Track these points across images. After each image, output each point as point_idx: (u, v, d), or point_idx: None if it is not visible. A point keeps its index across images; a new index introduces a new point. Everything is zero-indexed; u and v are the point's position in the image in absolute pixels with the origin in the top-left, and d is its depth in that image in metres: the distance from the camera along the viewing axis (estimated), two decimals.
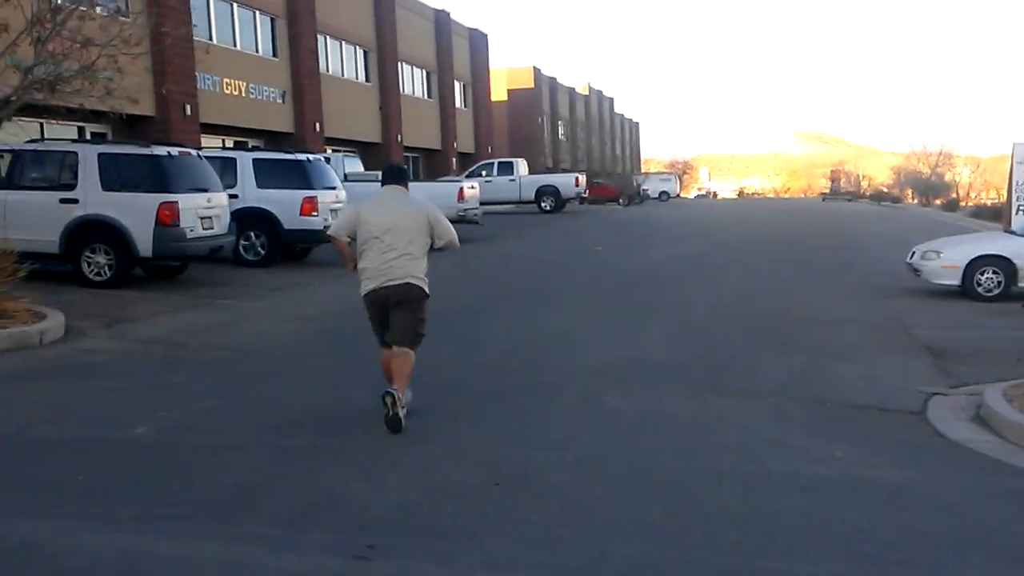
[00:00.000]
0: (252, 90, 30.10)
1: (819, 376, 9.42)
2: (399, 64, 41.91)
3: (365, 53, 39.44)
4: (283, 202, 17.48)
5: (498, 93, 64.67)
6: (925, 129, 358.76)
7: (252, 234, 17.49)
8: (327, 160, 21.30)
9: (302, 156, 18.47)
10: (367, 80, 39.69)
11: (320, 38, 34.86)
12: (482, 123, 54.82)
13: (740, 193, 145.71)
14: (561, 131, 77.64)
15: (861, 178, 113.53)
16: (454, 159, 48.70)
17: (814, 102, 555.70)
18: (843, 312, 13.59)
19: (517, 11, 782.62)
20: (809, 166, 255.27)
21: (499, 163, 41.29)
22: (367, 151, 39.51)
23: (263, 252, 17.63)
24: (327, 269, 17.14)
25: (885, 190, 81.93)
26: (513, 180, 39.89)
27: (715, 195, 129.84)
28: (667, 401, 8.24)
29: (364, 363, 8.16)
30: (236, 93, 29.27)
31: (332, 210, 17.43)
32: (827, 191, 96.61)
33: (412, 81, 45.42)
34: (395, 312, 7.16)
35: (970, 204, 56.12)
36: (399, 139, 41.14)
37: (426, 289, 7.25)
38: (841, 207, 63.49)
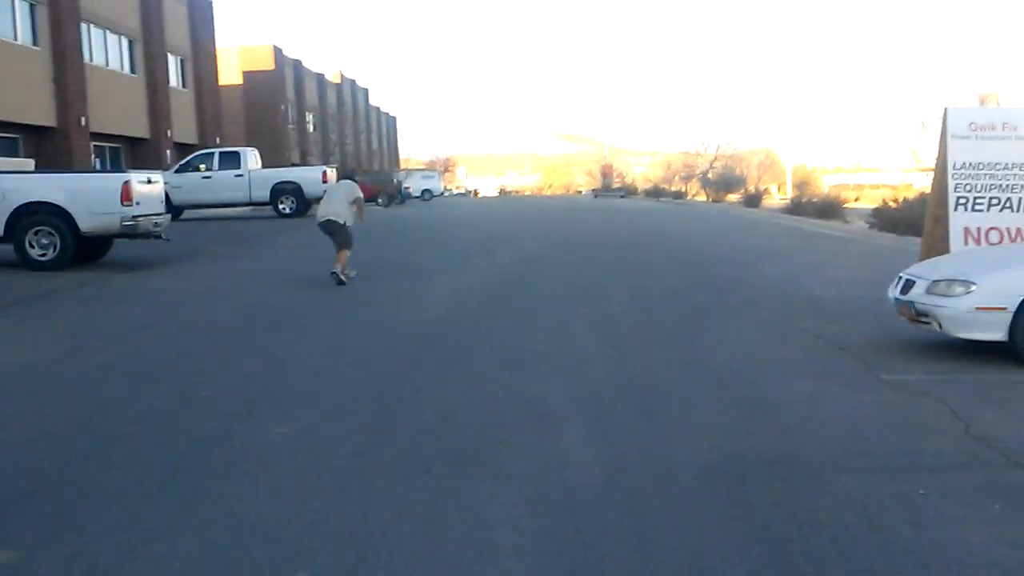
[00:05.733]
0: None
1: None
2: (81, 25, 31.62)
3: (32, 7, 29.00)
4: None
5: (231, 75, 54.81)
6: (674, 129, 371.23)
7: None
8: None
9: None
10: (35, 44, 29.23)
11: None
12: (207, 107, 44.79)
13: (502, 191, 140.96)
14: (310, 122, 68.37)
15: (625, 175, 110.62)
16: (168, 150, 38.63)
17: (566, 104, 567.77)
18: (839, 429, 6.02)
19: None
20: (565, 164, 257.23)
21: (221, 153, 31.47)
22: (36, 137, 29.18)
23: None
24: None
25: (664, 186, 78.04)
26: (240, 175, 30.31)
27: (476, 193, 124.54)
28: None
29: None
30: None
31: None
32: (597, 188, 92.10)
33: (105, 49, 35.08)
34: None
35: (778, 197, 51.98)
36: (82, 122, 30.90)
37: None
38: (623, 204, 57.87)
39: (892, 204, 25.64)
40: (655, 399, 6.75)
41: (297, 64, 65.76)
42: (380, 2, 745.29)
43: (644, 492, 4.75)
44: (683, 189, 73.91)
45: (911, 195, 27.43)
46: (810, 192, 49.90)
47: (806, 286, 13.28)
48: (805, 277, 14.49)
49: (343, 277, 12.95)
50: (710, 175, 66.32)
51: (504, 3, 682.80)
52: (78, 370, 7.55)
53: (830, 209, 30.48)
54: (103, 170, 29.85)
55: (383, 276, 14.33)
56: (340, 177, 13.25)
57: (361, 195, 13.83)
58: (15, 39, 28.16)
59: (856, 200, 36.94)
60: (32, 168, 17.28)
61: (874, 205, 28.82)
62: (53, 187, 14.22)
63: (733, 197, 60.79)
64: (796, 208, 34.69)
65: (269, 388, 7.01)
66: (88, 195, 14.22)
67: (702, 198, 68.81)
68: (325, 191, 13.00)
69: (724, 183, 63.01)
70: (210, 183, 29.99)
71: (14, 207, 13.93)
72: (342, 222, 13.21)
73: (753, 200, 47.80)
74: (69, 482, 4.87)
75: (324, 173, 31.18)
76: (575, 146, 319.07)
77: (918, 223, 16.83)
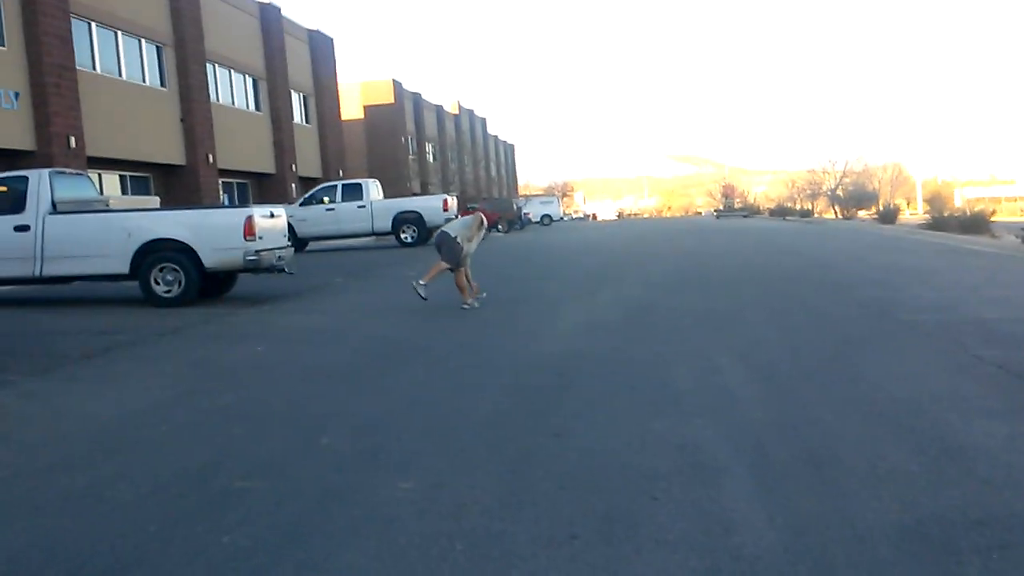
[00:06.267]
0: None
1: None
2: (206, 66, 32.33)
3: (158, 49, 29.77)
4: None
5: (353, 110, 55.71)
6: (795, 147, 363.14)
7: None
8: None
9: None
10: (162, 85, 29.98)
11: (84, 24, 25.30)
12: (330, 142, 45.45)
13: (620, 214, 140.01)
14: (430, 153, 68.94)
15: (746, 195, 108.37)
16: (293, 184, 39.24)
17: (682, 126, 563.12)
18: None
19: (375, 23, 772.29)
20: (683, 186, 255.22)
21: (344, 186, 31.69)
22: (167, 175, 29.87)
23: None
24: None
25: (789, 205, 75.83)
26: (363, 206, 30.42)
27: (594, 217, 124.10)
28: None
29: None
30: None
31: None
32: (719, 208, 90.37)
33: (230, 88, 35.84)
34: None
35: (908, 212, 49.56)
36: (209, 159, 31.52)
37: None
38: (747, 224, 56.33)
39: None
40: (823, 444, 5.93)
41: (416, 96, 66.50)
42: (496, 34, 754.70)
43: (835, 566, 3.97)
44: (810, 207, 71.56)
45: None
46: (941, 206, 47.62)
47: (968, 308, 12.13)
48: (965, 298, 13.31)
49: (420, 289, 12.99)
50: (840, 191, 63.87)
51: (616, 29, 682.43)
52: (194, 415, 7.16)
53: (976, 223, 28.66)
54: (230, 205, 30.34)
55: (508, 305, 13.77)
56: (461, 209, 13.42)
57: (484, 222, 13.64)
58: (144, 81, 28.91)
59: (993, 214, 34.78)
60: (157, 205, 17.38)
61: (1017, 218, 27.10)
62: (177, 223, 14.19)
63: (864, 214, 58.41)
64: (937, 223, 32.82)
65: (393, 434, 6.46)
66: (211, 231, 14.13)
67: (830, 216, 66.45)
68: (447, 220, 13.36)
69: (854, 199, 60.61)
70: (334, 215, 30.16)
71: (140, 244, 13.93)
72: (454, 235, 12.98)
73: (888, 216, 45.65)
74: (176, 548, 4.37)
75: (445, 202, 31.08)
76: (692, 167, 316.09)
77: None
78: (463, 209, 39.92)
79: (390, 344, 10.66)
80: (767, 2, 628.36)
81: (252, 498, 5.07)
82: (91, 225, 14.30)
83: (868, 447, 5.80)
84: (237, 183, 36.67)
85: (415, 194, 54.45)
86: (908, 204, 74.93)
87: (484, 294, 13.43)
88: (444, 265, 13.02)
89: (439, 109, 74.35)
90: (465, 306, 12.84)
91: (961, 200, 79.74)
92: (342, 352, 10.15)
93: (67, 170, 16.49)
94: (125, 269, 14.07)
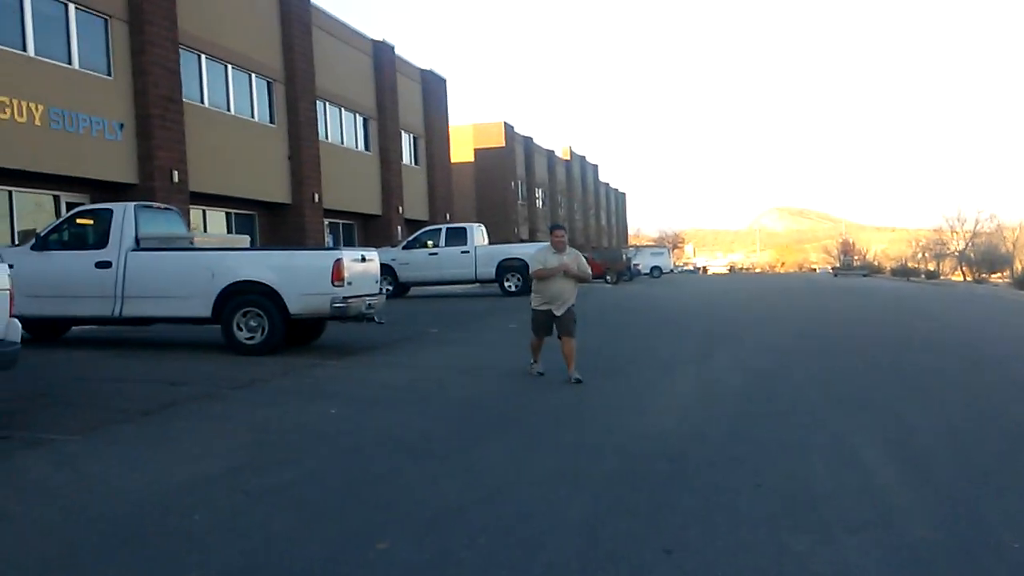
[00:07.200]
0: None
1: None
2: (316, 103, 32.07)
3: (269, 85, 29.57)
4: None
5: (463, 152, 55.30)
6: (918, 204, 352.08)
7: None
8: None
9: None
10: (271, 121, 29.73)
11: (197, 59, 25.19)
12: (439, 184, 44.91)
13: (731, 268, 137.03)
14: (539, 198, 68.17)
15: (865, 252, 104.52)
16: (399, 227, 38.69)
17: (795, 179, 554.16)
18: None
19: (489, 65, 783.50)
20: (796, 241, 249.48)
21: (448, 229, 30.79)
22: (271, 213, 29.54)
23: None
24: None
25: (912, 265, 72.42)
26: (467, 252, 29.45)
27: (705, 270, 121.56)
28: None
29: None
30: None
31: None
32: (836, 265, 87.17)
33: (340, 127, 35.58)
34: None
35: None
36: (315, 199, 31.09)
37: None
38: (868, 284, 53.69)
39: None
40: None
41: (527, 141, 65.94)
42: (610, 80, 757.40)
43: None
44: (935, 268, 68.09)
45: None
46: None
47: None
48: None
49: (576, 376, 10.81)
50: (970, 252, 60.33)
51: (730, 78, 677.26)
52: (237, 499, 6.06)
53: None
54: (335, 246, 29.79)
55: (613, 369, 12.46)
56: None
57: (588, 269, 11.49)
58: (252, 117, 28.68)
59: None
60: (246, 244, 16.62)
61: None
62: (262, 265, 13.29)
63: (997, 277, 55.05)
64: None
65: (466, 537, 5.24)
66: (298, 274, 13.20)
67: (958, 278, 63.02)
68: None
69: (987, 261, 57.18)
70: (436, 259, 29.29)
71: (223, 286, 13.10)
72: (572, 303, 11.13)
73: None
74: None
75: None
76: (806, 221, 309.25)
77: None
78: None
79: (477, 410, 9.46)
80: (887, 49, 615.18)
81: None
82: (173, 264, 13.54)
83: None
84: (343, 223, 36.26)
85: (523, 240, 53.58)
86: None
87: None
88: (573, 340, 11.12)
89: (550, 154, 73.64)
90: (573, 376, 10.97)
91: None
92: (422, 418, 8.99)
93: (155, 204, 15.88)
94: (207, 312, 13.23)
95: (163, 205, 16.14)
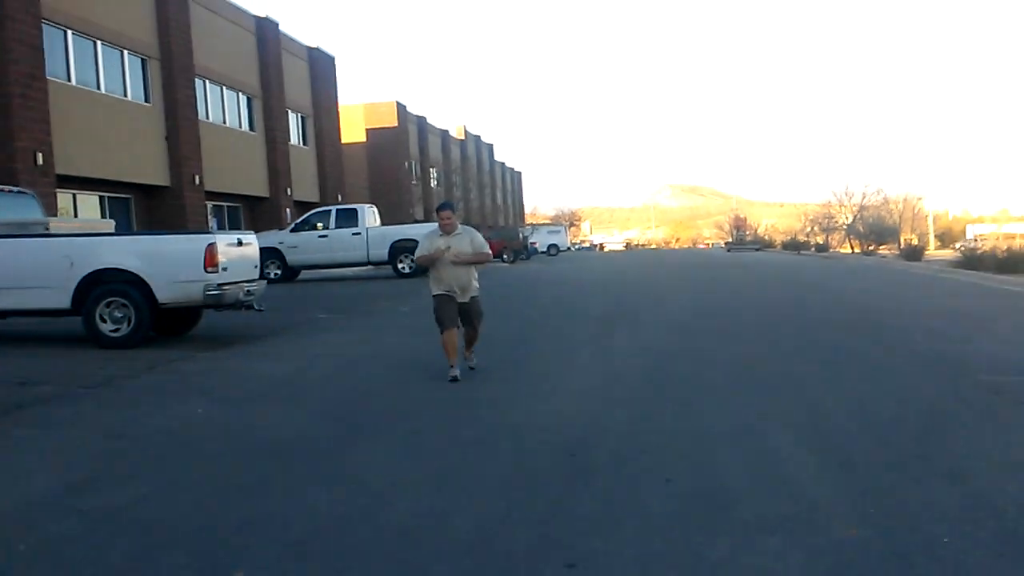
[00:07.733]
0: None
1: None
2: (195, 81, 30.55)
3: (143, 62, 27.97)
4: None
5: (355, 133, 54.02)
6: (805, 179, 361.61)
7: None
8: None
9: None
10: (146, 100, 28.14)
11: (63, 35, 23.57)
12: (329, 165, 43.61)
13: (627, 245, 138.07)
14: (434, 178, 67.21)
15: (756, 227, 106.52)
16: (288, 209, 37.38)
17: (688, 156, 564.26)
18: None
19: (380, 43, 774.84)
20: (690, 217, 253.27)
21: (338, 211, 29.69)
22: (149, 196, 28.05)
23: None
24: None
25: (802, 238, 73.85)
26: (358, 233, 28.43)
27: (602, 247, 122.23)
28: None
29: None
30: None
31: None
32: (730, 240, 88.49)
33: (222, 106, 34.06)
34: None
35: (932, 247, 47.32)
36: (196, 180, 29.65)
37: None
38: (761, 258, 54.33)
39: None
40: None
41: (421, 120, 64.89)
42: (504, 60, 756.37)
43: None
44: (825, 241, 69.49)
45: None
46: (952, 242, 45.53)
47: None
48: None
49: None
50: (858, 225, 61.63)
51: (624, 58, 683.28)
52: (71, 526, 5.16)
53: (1015, 262, 26.57)
54: (219, 230, 28.45)
55: (510, 352, 11.80)
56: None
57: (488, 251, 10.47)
58: (125, 95, 27.11)
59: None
60: (111, 229, 15.42)
61: None
62: (127, 251, 12.19)
63: (885, 249, 56.29)
64: (969, 261, 30.78)
65: (334, 559, 4.49)
66: (167, 260, 12.17)
67: (846, 250, 64.37)
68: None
69: (875, 234, 58.44)
70: (327, 242, 28.28)
71: (83, 275, 11.97)
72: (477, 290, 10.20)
73: (914, 253, 43.45)
74: None
75: None
76: (698, 198, 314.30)
77: None
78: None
79: (362, 404, 8.69)
80: (776, 30, 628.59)
81: None
82: (26, 251, 12.34)
83: None
84: (228, 206, 34.81)
85: (417, 221, 52.65)
86: (917, 239, 72.75)
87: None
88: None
89: (444, 134, 72.68)
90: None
91: (972, 236, 77.71)
92: (300, 416, 8.16)
93: (5, 188, 14.56)
94: (67, 303, 12.08)
95: (15, 188, 14.82)
